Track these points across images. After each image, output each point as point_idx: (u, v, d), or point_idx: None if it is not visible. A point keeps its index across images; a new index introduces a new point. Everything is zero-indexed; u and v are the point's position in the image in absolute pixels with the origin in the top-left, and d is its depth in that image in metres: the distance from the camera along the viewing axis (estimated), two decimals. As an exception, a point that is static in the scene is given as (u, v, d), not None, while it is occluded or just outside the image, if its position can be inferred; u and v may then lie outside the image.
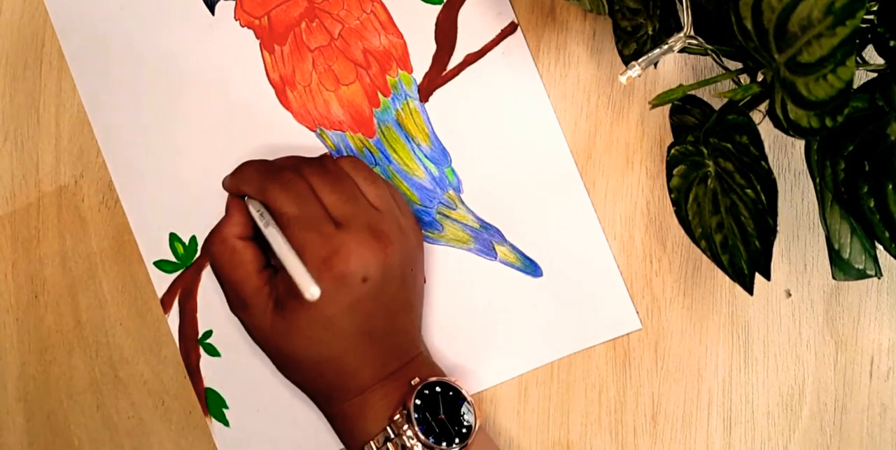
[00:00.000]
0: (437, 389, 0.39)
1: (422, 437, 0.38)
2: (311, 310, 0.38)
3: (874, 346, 0.43)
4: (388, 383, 0.40)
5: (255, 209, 0.40)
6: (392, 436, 0.38)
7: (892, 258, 0.31)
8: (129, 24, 0.46)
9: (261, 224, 0.39)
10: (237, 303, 0.40)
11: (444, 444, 0.38)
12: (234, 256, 0.40)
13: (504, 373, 0.45)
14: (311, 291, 0.34)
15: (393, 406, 0.39)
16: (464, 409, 0.39)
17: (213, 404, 0.46)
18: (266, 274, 0.40)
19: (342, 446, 0.45)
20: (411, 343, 0.42)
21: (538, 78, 0.44)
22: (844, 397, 0.43)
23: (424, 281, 0.45)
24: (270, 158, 0.44)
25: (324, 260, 0.37)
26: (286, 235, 0.38)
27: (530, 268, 0.44)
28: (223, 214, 0.42)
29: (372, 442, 0.38)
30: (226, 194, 0.43)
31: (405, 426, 0.38)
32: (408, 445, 0.38)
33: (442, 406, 0.39)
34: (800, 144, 0.42)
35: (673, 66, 0.43)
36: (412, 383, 0.39)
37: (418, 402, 0.38)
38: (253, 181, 0.40)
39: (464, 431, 0.39)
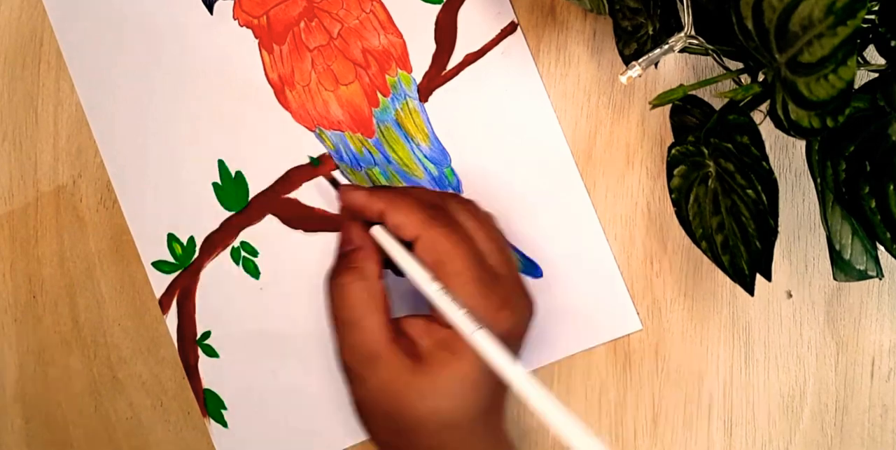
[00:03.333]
0: None
1: None
2: (465, 364, 0.33)
3: (875, 347, 0.42)
4: None
5: (427, 281, 0.34)
6: None
7: (893, 259, 0.31)
8: (127, 23, 0.46)
9: (424, 285, 0.34)
10: (366, 354, 0.34)
11: None
12: (372, 299, 0.35)
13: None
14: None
15: None
16: None
17: (211, 405, 0.46)
18: (396, 328, 0.35)
19: (340, 447, 0.45)
20: (507, 434, 0.38)
21: (538, 78, 0.44)
22: (845, 399, 0.43)
23: None
24: (270, 158, 0.44)
25: (494, 316, 0.33)
26: (449, 285, 0.33)
27: (530, 268, 0.44)
28: (223, 213, 0.41)
29: None
30: (215, 196, 0.41)
31: None
32: None
33: None
34: (801, 144, 0.42)
35: (673, 66, 0.43)
36: None
37: None
38: (412, 218, 0.35)
39: None
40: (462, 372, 0.33)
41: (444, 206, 0.36)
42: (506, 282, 0.35)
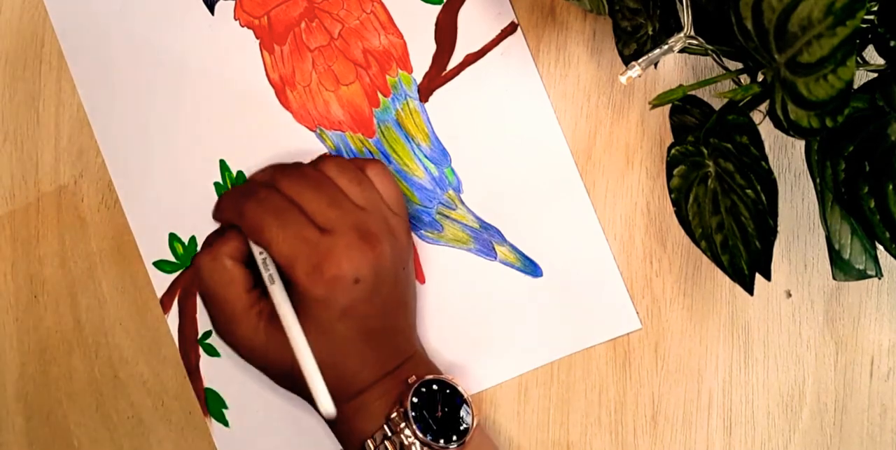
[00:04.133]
0: (434, 387, 0.39)
1: (419, 434, 0.38)
2: (307, 318, 0.38)
3: (874, 346, 0.43)
4: (386, 381, 0.40)
5: (257, 252, 0.39)
6: (389, 434, 0.38)
7: (892, 259, 0.31)
8: (128, 23, 0.46)
9: (265, 275, 0.38)
10: (224, 322, 0.39)
11: (441, 442, 0.38)
12: (224, 274, 0.39)
13: (504, 373, 0.45)
14: (327, 409, 0.35)
15: (390, 405, 0.39)
16: (462, 408, 0.39)
17: (212, 405, 0.46)
18: (255, 293, 0.39)
19: (341, 447, 0.45)
20: (407, 342, 0.42)
21: (538, 78, 0.44)
22: (845, 398, 0.43)
23: (422, 281, 0.45)
24: (271, 158, 0.44)
25: (314, 267, 0.37)
26: (273, 252, 0.37)
27: (530, 268, 0.44)
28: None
29: (369, 441, 0.38)
30: (216, 196, 0.43)
31: (402, 424, 0.38)
32: (406, 443, 0.38)
33: (440, 404, 0.39)
34: (800, 144, 0.42)
35: (673, 66, 0.43)
36: (409, 381, 0.39)
37: (415, 400, 0.38)
38: (230, 208, 0.39)
39: (462, 428, 0.39)
40: (308, 322, 0.38)
41: (268, 181, 0.40)
42: (333, 235, 0.38)
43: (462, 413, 0.39)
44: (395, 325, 0.41)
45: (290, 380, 0.40)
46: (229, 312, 0.39)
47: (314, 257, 0.37)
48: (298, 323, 0.37)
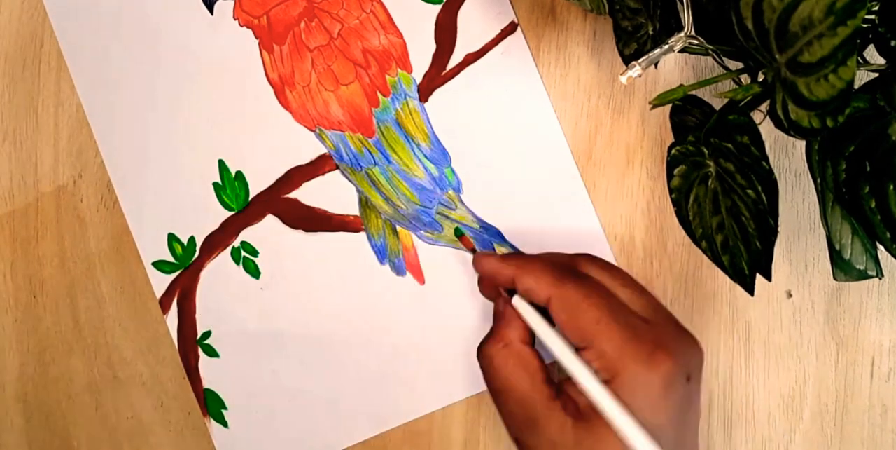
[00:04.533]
0: None
1: None
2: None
3: (875, 347, 0.42)
4: None
5: (547, 330, 0.34)
6: None
7: (893, 259, 0.31)
8: (127, 23, 0.46)
9: (562, 358, 0.33)
10: (525, 419, 0.34)
11: None
12: (520, 363, 0.34)
13: (504, 374, 0.45)
14: None
15: None
16: None
17: (212, 405, 0.46)
18: (554, 386, 0.35)
19: (341, 447, 0.45)
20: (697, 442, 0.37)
21: (538, 78, 0.44)
22: (845, 398, 0.43)
23: (422, 281, 0.45)
24: (271, 158, 0.44)
25: (645, 360, 0.32)
26: (591, 334, 0.33)
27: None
28: (223, 213, 0.41)
29: None
30: (215, 196, 0.42)
31: None
32: None
33: None
34: (801, 144, 0.42)
35: (673, 66, 0.43)
36: None
37: None
38: (542, 280, 0.34)
39: None
40: None
41: (573, 264, 0.36)
42: (656, 325, 0.34)
43: None
44: (695, 440, 0.36)
45: None
46: (532, 408, 0.34)
47: (646, 346, 0.32)
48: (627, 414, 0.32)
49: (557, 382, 0.35)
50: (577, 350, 0.34)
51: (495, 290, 0.38)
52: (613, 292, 0.34)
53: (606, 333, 0.33)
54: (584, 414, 0.33)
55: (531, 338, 0.36)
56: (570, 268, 0.36)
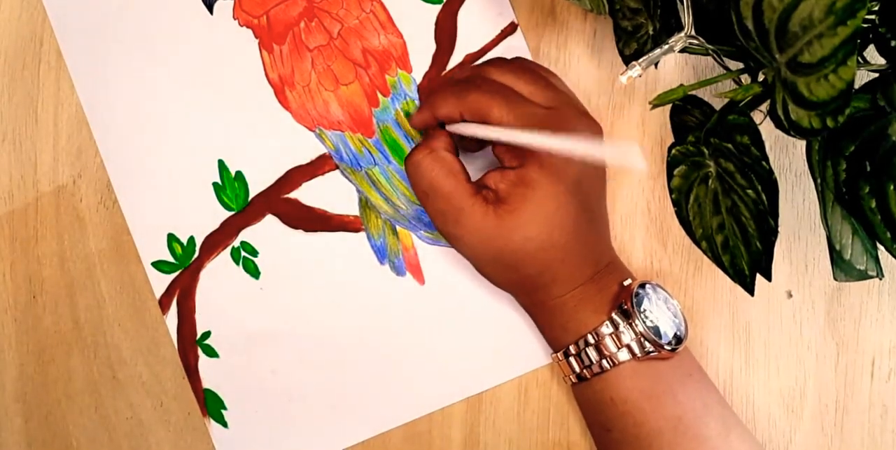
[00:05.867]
0: (648, 289, 0.39)
1: (643, 330, 0.37)
2: (539, 191, 0.37)
3: (875, 347, 0.42)
4: (604, 277, 0.39)
5: (467, 127, 0.38)
6: (612, 329, 0.37)
7: (893, 259, 0.31)
8: (127, 23, 0.46)
9: (484, 132, 0.37)
10: (454, 214, 0.38)
11: (662, 340, 0.37)
12: (444, 166, 0.39)
13: (504, 373, 0.45)
14: (640, 162, 0.30)
15: (609, 302, 0.38)
16: (675, 314, 0.39)
17: (211, 405, 0.46)
18: (475, 185, 0.39)
19: (340, 447, 0.45)
20: (609, 242, 0.42)
21: (538, 78, 0.44)
22: (845, 399, 0.43)
23: (422, 281, 0.45)
24: (270, 158, 0.44)
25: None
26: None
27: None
28: (223, 213, 0.42)
29: (590, 334, 0.38)
30: (215, 196, 0.42)
31: (622, 323, 0.37)
32: (624, 340, 0.37)
33: (655, 308, 0.38)
34: (801, 144, 0.42)
35: (673, 66, 0.43)
36: (623, 283, 0.39)
37: (636, 300, 0.38)
38: (447, 100, 0.39)
39: (675, 334, 0.38)
40: (540, 198, 0.37)
41: (482, 73, 0.40)
42: (557, 110, 0.38)
43: (675, 319, 0.38)
44: (605, 213, 0.41)
45: (515, 266, 0.39)
46: (457, 202, 0.38)
47: (550, 130, 0.35)
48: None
49: (476, 181, 0.39)
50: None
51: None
52: (516, 89, 0.38)
53: (508, 121, 0.37)
54: (503, 199, 0.38)
55: (454, 149, 0.40)
56: (465, 80, 0.40)
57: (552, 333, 0.41)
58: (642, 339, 0.37)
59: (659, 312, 0.38)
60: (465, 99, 0.38)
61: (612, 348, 0.37)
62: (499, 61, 0.42)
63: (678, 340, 0.38)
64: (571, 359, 0.39)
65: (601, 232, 0.41)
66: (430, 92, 0.42)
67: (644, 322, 0.37)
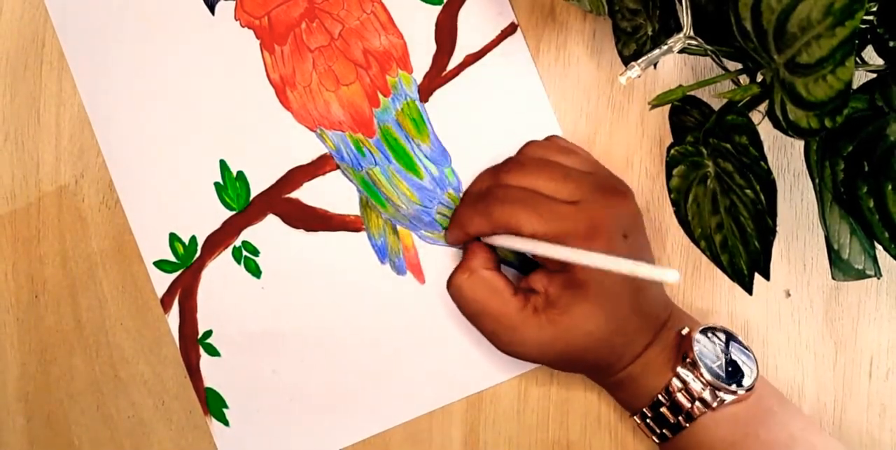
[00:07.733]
0: (710, 335, 0.38)
1: (712, 379, 0.36)
2: (591, 290, 0.37)
3: (873, 346, 0.43)
4: (662, 335, 0.39)
5: (502, 239, 0.38)
6: (680, 385, 0.37)
7: (891, 259, 0.31)
8: (129, 24, 0.46)
9: (521, 245, 0.37)
10: (505, 334, 0.39)
11: (733, 386, 0.37)
12: (486, 286, 0.39)
13: (504, 373, 0.45)
14: (669, 276, 0.30)
15: (673, 358, 0.38)
16: (743, 354, 0.38)
17: (213, 404, 0.46)
18: (522, 295, 0.39)
19: (341, 446, 0.46)
20: (664, 292, 0.41)
21: (538, 78, 0.44)
22: (844, 398, 0.43)
23: (422, 281, 0.45)
24: (272, 158, 0.44)
25: (584, 238, 0.36)
26: (540, 238, 0.37)
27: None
28: (224, 213, 0.42)
29: (660, 395, 0.38)
30: (216, 196, 0.42)
31: (690, 375, 0.37)
32: (695, 392, 0.37)
33: (722, 353, 0.38)
34: (799, 144, 0.42)
35: (672, 66, 0.43)
36: (682, 332, 0.39)
37: (696, 349, 0.37)
38: (472, 219, 0.39)
39: (745, 373, 0.38)
40: (593, 296, 0.37)
41: (493, 184, 0.40)
42: (584, 203, 0.37)
43: (743, 358, 0.38)
44: (653, 260, 0.41)
45: (577, 361, 0.39)
46: (508, 321, 0.38)
47: (580, 230, 0.36)
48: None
49: (521, 285, 0.39)
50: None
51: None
52: (537, 191, 0.38)
53: (541, 229, 0.37)
54: (553, 302, 0.38)
55: (494, 264, 0.40)
56: (495, 191, 0.39)
57: (626, 401, 0.41)
58: (712, 387, 0.37)
59: (725, 353, 0.38)
60: (491, 216, 0.38)
61: (686, 403, 0.37)
62: (511, 162, 0.41)
63: (751, 378, 0.37)
64: (649, 421, 0.39)
65: (655, 289, 0.40)
66: (454, 210, 0.42)
67: (711, 370, 0.37)
